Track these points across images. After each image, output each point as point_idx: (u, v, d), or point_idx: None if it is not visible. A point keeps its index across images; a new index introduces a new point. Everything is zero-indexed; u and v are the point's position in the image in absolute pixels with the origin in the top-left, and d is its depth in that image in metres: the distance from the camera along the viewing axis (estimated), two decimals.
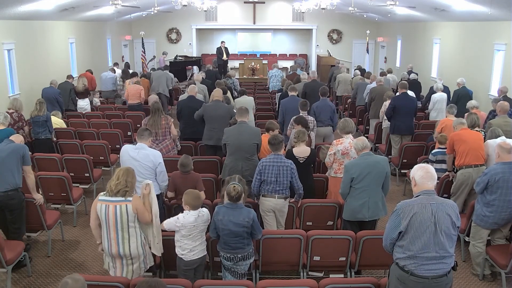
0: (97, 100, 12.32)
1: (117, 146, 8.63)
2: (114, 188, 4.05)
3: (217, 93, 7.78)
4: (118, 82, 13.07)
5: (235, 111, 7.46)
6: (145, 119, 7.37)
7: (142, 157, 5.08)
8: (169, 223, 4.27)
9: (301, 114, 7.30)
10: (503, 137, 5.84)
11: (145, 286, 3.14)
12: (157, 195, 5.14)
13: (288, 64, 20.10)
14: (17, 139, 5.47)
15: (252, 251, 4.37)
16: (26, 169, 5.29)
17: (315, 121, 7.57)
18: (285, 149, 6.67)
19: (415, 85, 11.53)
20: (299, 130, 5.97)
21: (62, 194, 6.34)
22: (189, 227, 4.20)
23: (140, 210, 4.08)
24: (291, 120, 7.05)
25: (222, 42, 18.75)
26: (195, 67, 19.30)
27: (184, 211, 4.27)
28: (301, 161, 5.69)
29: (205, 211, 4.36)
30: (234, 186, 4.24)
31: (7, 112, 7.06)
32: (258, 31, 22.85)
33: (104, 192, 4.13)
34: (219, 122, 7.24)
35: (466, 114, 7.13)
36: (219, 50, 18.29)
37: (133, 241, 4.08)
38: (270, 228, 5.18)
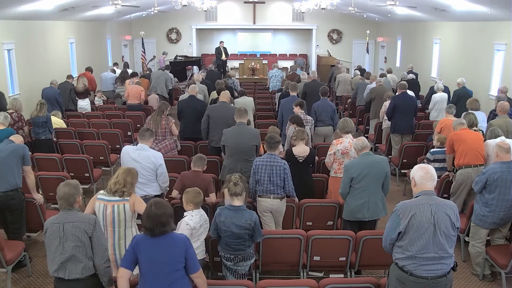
0: (99, 100, 12.31)
1: (117, 146, 8.63)
2: (113, 187, 4.05)
3: (225, 95, 7.64)
4: (115, 83, 13.06)
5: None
6: (148, 118, 7.36)
7: (143, 158, 5.07)
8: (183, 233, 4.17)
9: (298, 113, 7.29)
10: (503, 137, 5.84)
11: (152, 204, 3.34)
12: (157, 196, 5.18)
13: (288, 64, 20.09)
14: (17, 139, 5.47)
15: (253, 252, 4.37)
16: (26, 169, 5.30)
17: (312, 121, 7.56)
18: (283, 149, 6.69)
19: (413, 85, 11.53)
20: (298, 129, 5.98)
21: None
22: (197, 227, 4.20)
23: (138, 206, 4.04)
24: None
25: (221, 42, 18.75)
26: (195, 67, 19.31)
27: (186, 213, 4.26)
28: (300, 160, 5.69)
29: (202, 210, 4.37)
30: (234, 178, 4.26)
31: (7, 112, 7.06)
32: (258, 31, 22.83)
33: (103, 191, 4.13)
34: (225, 123, 7.18)
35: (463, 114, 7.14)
36: (218, 50, 18.29)
37: (129, 242, 4.06)
38: (268, 228, 5.18)
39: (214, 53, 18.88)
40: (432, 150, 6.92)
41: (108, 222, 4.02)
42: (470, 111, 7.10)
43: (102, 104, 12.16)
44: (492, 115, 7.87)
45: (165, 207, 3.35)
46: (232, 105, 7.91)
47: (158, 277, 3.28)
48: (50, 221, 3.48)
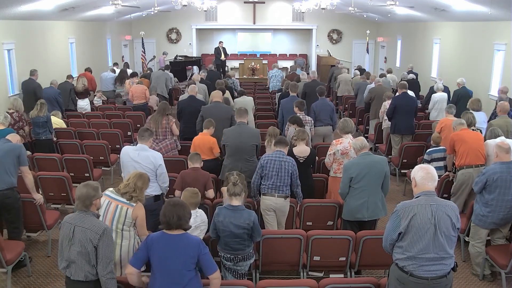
0: (98, 100, 12.30)
1: (117, 146, 8.63)
2: (122, 188, 4.07)
3: (217, 94, 7.79)
4: (114, 83, 13.06)
5: (234, 110, 7.48)
6: (148, 117, 7.37)
7: (142, 158, 5.06)
8: None
9: (298, 114, 7.29)
10: (503, 137, 5.84)
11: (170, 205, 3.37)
12: (158, 196, 5.18)
13: (288, 64, 20.09)
14: (14, 138, 5.43)
15: (253, 252, 4.37)
16: (23, 170, 5.28)
17: (312, 122, 7.56)
18: None
19: (413, 84, 11.54)
20: (299, 129, 5.99)
21: (62, 194, 6.34)
22: (192, 229, 4.19)
23: (140, 221, 4.05)
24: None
25: (220, 42, 18.78)
26: (195, 67, 19.31)
27: None
28: (301, 161, 5.69)
29: (200, 211, 4.38)
30: (233, 178, 4.28)
31: (7, 112, 7.05)
32: (258, 31, 22.83)
33: (112, 189, 4.14)
34: (219, 123, 7.22)
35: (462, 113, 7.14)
36: (217, 50, 18.31)
37: (125, 244, 4.05)
38: (270, 228, 5.19)
39: (213, 53, 18.91)
40: (428, 150, 6.92)
41: (107, 219, 4.02)
42: (469, 110, 7.10)
43: (101, 104, 12.16)
44: (494, 116, 7.86)
45: (182, 203, 3.44)
46: (226, 104, 7.92)
47: (170, 274, 3.30)
48: (66, 219, 3.53)
